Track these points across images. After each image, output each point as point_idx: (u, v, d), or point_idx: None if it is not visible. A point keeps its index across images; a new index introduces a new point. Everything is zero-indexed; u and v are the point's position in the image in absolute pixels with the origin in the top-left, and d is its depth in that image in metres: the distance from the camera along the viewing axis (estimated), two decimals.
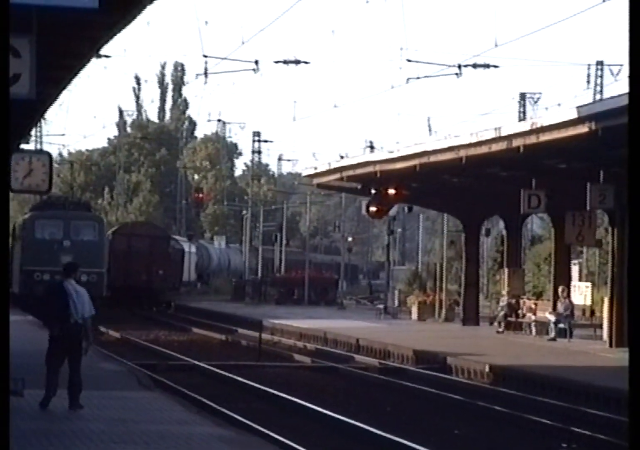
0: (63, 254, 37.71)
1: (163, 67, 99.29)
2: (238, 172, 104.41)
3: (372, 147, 59.81)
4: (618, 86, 57.71)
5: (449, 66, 29.25)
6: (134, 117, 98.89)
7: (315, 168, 36.96)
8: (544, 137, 23.49)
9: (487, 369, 23.06)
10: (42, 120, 45.32)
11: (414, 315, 41.90)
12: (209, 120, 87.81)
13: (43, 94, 15.87)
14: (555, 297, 31.77)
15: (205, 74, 32.71)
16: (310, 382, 22.41)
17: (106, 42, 13.59)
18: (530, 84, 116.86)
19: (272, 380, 21.61)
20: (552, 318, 30.60)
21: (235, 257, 73.36)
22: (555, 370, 21.99)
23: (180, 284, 56.80)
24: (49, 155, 17.51)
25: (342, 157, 38.26)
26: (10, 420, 12.69)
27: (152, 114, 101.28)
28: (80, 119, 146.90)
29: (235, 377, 21.71)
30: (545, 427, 16.25)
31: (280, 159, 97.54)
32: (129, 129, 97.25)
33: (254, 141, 75.97)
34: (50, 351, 14.03)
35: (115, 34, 12.99)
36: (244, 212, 75.67)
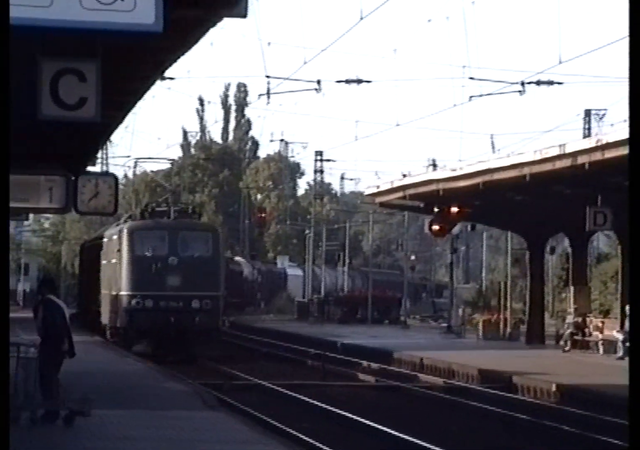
0: (169, 275, 30.61)
1: (227, 88, 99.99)
2: (300, 191, 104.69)
3: (434, 166, 59.54)
4: None
5: (512, 84, 29.13)
6: (198, 138, 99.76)
7: (378, 187, 36.94)
8: (610, 153, 23.26)
9: (553, 388, 22.79)
10: (108, 143, 45.84)
11: (479, 334, 41.59)
12: (271, 140, 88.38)
13: (108, 117, 16.06)
14: (623, 315, 31.32)
15: (268, 94, 32.88)
16: (375, 402, 22.32)
17: (170, 64, 13.73)
18: (595, 100, 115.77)
19: (337, 400, 21.55)
20: (620, 336, 30.18)
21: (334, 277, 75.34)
22: (624, 389, 21.60)
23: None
24: (115, 177, 17.71)
25: (404, 176, 38.09)
26: (74, 440, 12.79)
27: (216, 135, 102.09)
28: (144, 140, 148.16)
29: (299, 396, 21.68)
30: (615, 447, 15.99)
31: (342, 178, 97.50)
32: (192, 150, 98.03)
33: (316, 161, 76.19)
34: (50, 367, 13.92)
35: (179, 57, 13.12)
36: (307, 231, 75.79)
